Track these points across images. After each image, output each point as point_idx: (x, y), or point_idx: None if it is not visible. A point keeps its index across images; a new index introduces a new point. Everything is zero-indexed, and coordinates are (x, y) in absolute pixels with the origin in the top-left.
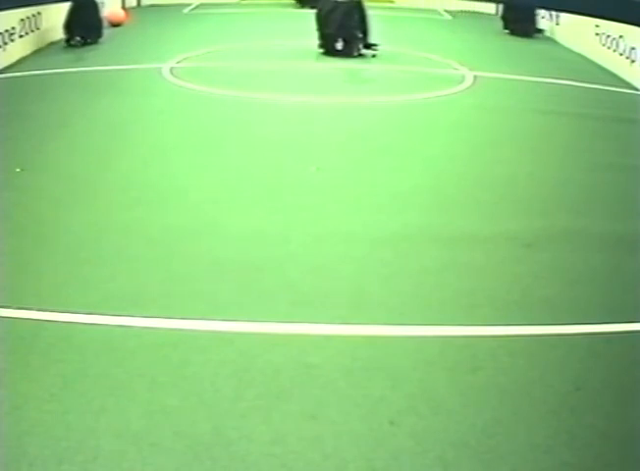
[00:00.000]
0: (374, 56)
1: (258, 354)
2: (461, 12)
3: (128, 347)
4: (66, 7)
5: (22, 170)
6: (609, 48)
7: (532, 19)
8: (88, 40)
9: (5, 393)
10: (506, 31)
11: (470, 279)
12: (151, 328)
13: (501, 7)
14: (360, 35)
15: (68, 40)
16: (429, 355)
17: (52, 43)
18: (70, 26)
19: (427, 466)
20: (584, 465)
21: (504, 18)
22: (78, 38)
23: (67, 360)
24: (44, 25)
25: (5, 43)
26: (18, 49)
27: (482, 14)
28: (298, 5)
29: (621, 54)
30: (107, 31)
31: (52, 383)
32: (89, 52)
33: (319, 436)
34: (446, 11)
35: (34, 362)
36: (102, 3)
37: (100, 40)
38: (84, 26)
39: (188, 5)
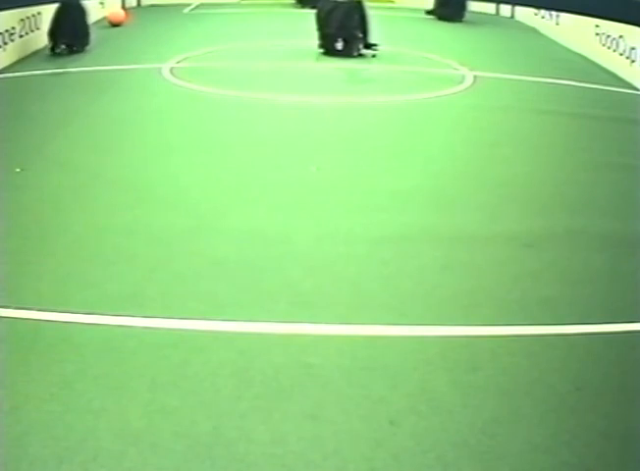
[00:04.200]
0: (374, 56)
1: (258, 354)
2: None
3: (128, 347)
4: None
5: (22, 170)
6: (609, 48)
7: (463, 7)
8: (74, 48)
9: (5, 393)
10: (434, 17)
11: (470, 279)
12: (151, 328)
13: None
14: (360, 35)
15: (52, 48)
16: (429, 355)
17: None
18: (54, 32)
19: (427, 466)
20: (584, 465)
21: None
22: (62, 46)
23: (67, 360)
24: (44, 25)
25: (5, 43)
26: (18, 49)
27: (483, 14)
28: (299, 5)
29: (621, 54)
30: (105, 32)
31: (52, 383)
32: (89, 51)
33: (319, 436)
34: None
35: (34, 362)
36: (102, 3)
37: (88, 48)
38: (70, 33)
39: (188, 5)
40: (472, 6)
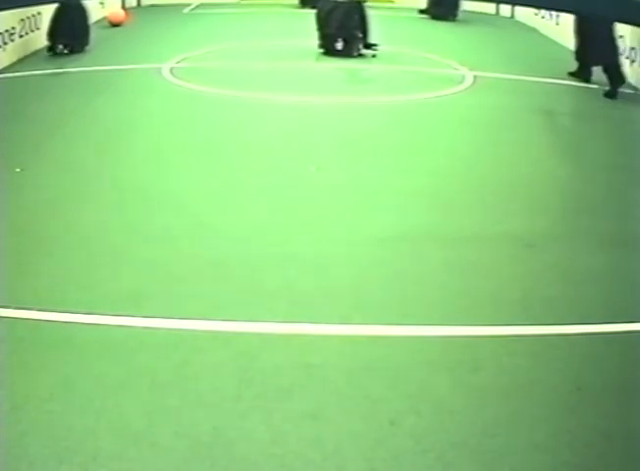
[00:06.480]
0: (374, 56)
1: (258, 354)
2: (462, 12)
3: (128, 347)
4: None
5: (22, 170)
6: None
7: (456, 6)
8: (74, 48)
9: (5, 393)
10: (428, 17)
11: (472, 279)
12: (151, 328)
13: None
14: (360, 35)
15: (51, 48)
16: (430, 355)
17: None
18: (53, 33)
19: (427, 466)
20: (585, 465)
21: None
22: (61, 46)
23: (67, 360)
24: (44, 25)
25: (5, 43)
26: (18, 49)
27: (483, 14)
28: (300, 5)
29: (621, 54)
30: (105, 32)
31: (52, 383)
32: (89, 51)
33: (319, 436)
34: None
35: (34, 362)
36: (102, 3)
37: (87, 48)
38: (69, 34)
39: (188, 5)
40: (472, 6)
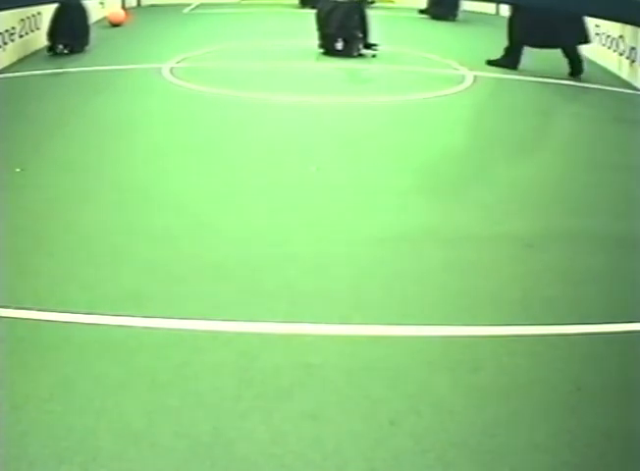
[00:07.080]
0: (374, 56)
1: (258, 354)
2: (462, 12)
3: (128, 347)
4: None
5: (22, 170)
6: (609, 48)
7: (456, 6)
8: (74, 48)
9: (5, 393)
10: (428, 17)
11: (472, 279)
12: (151, 328)
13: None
14: (360, 35)
15: (51, 48)
16: (430, 355)
17: None
18: (53, 33)
19: (427, 466)
20: (585, 465)
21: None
22: (60, 46)
23: (67, 360)
24: (44, 25)
25: (5, 43)
26: (18, 49)
27: (483, 13)
28: (300, 5)
29: (621, 54)
30: (105, 32)
31: (52, 383)
32: (89, 51)
33: (319, 436)
34: None
35: (34, 362)
36: (102, 3)
37: (87, 48)
38: (69, 33)
39: (188, 5)
40: (472, 6)
